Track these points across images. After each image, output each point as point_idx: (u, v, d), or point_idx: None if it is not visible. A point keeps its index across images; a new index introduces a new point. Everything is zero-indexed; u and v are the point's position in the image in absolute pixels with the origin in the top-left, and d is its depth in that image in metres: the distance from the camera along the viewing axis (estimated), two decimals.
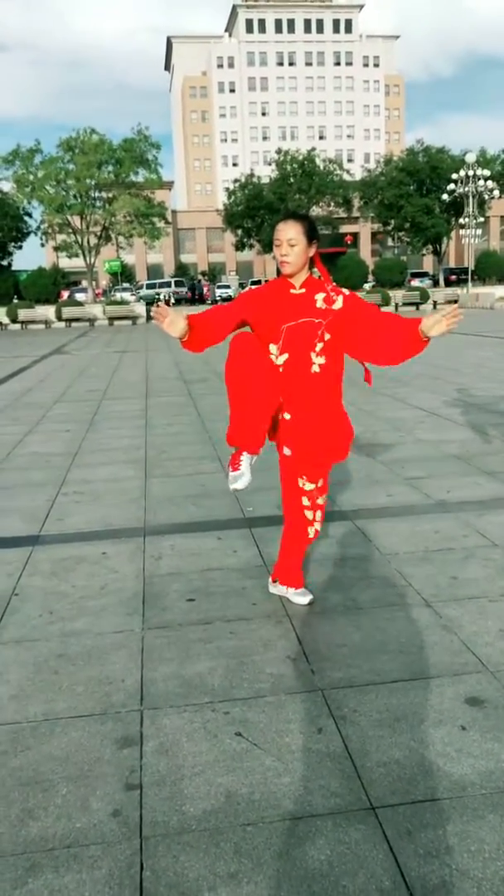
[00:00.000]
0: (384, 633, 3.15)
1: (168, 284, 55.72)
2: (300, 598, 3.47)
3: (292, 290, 3.15)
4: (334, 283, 3.19)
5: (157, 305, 3.13)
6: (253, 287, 3.36)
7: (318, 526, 3.44)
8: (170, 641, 3.15)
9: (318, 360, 3.12)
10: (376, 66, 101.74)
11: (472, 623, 3.20)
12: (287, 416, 3.21)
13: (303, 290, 3.13)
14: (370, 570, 3.87)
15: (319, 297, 3.11)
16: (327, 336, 3.11)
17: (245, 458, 3.16)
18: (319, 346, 3.11)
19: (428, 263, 72.31)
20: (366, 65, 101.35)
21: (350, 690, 2.71)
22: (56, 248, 48.46)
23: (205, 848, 1.98)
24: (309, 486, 3.33)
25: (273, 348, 3.15)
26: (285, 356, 3.13)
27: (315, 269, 3.23)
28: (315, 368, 3.13)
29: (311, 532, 3.41)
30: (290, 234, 3.05)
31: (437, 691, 2.68)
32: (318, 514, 3.41)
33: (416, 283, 49.73)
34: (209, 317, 3.15)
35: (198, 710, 2.63)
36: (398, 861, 1.91)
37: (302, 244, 3.06)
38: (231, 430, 3.16)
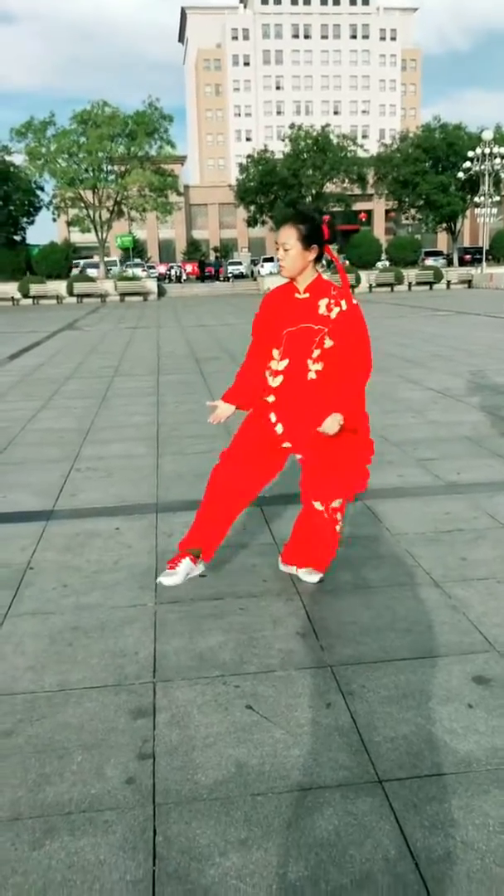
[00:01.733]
0: (393, 612, 3.19)
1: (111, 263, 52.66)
2: (309, 576, 3.51)
3: (296, 295, 3.12)
4: (341, 286, 3.12)
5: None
6: (265, 295, 3.33)
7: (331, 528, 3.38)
8: (181, 616, 3.21)
9: (314, 367, 3.09)
10: (393, 39, 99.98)
11: (480, 603, 3.24)
12: (279, 430, 3.19)
13: (306, 295, 3.10)
14: (380, 549, 3.91)
15: (322, 303, 3.07)
16: (328, 343, 3.07)
17: (185, 565, 3.24)
18: (317, 352, 3.08)
19: (442, 242, 71.61)
20: (382, 38, 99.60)
21: (359, 667, 2.76)
22: (68, 223, 48.19)
23: (216, 816, 2.04)
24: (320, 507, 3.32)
25: (275, 353, 3.16)
26: (286, 362, 3.13)
27: (324, 262, 3.19)
28: (311, 375, 3.10)
29: (323, 528, 3.36)
30: (283, 238, 3.02)
31: (444, 669, 2.73)
32: (338, 515, 3.37)
33: (430, 262, 49.22)
34: (243, 382, 3.26)
35: (209, 683, 2.69)
36: (404, 832, 1.96)
37: (296, 249, 3.00)
38: (190, 533, 3.27)
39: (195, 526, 3.29)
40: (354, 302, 3.10)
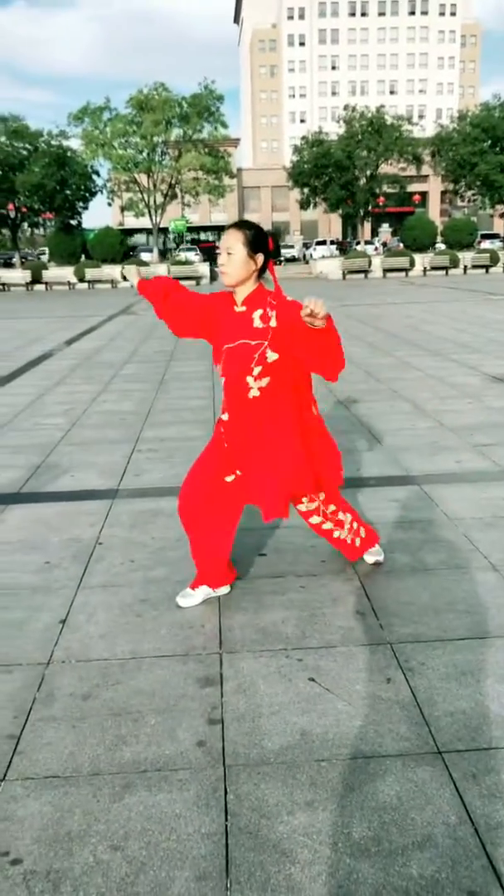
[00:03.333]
0: (451, 594, 3.26)
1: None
2: (369, 557, 3.59)
3: (235, 308, 2.97)
4: (276, 292, 2.93)
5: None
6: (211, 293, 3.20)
7: (342, 534, 3.40)
8: (244, 592, 3.33)
9: (256, 385, 2.92)
10: (452, 14, 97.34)
11: None
12: (225, 444, 3.12)
13: (243, 309, 2.93)
14: (437, 533, 3.97)
15: (257, 314, 2.89)
16: (272, 356, 2.88)
17: (204, 590, 3.28)
18: (258, 369, 2.89)
19: (499, 225, 69.98)
20: (441, 13, 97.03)
21: (417, 645, 2.85)
22: (122, 208, 48.56)
23: (283, 778, 2.16)
24: (310, 507, 3.29)
25: (217, 369, 3.10)
26: (223, 379, 3.03)
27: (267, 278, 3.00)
28: (254, 393, 2.93)
29: (338, 534, 3.39)
30: (228, 242, 2.85)
31: (502, 650, 2.79)
32: (340, 515, 3.35)
33: (486, 244, 48.19)
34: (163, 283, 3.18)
35: (273, 655, 2.81)
36: (464, 800, 2.05)
37: (240, 254, 2.83)
38: (195, 560, 3.30)
39: (195, 559, 3.31)
40: (290, 299, 2.88)
